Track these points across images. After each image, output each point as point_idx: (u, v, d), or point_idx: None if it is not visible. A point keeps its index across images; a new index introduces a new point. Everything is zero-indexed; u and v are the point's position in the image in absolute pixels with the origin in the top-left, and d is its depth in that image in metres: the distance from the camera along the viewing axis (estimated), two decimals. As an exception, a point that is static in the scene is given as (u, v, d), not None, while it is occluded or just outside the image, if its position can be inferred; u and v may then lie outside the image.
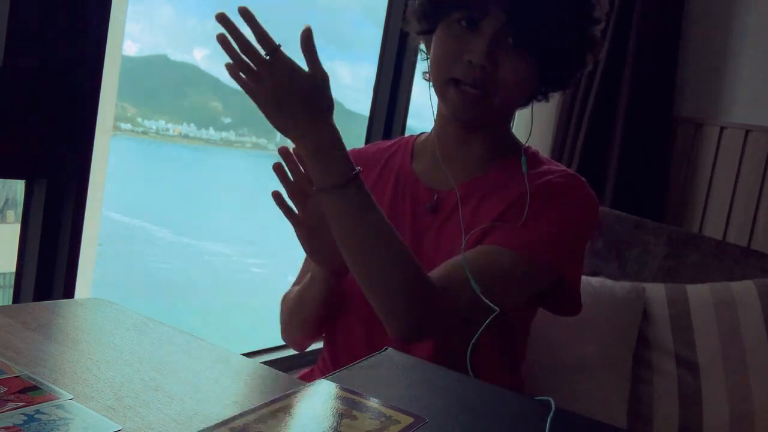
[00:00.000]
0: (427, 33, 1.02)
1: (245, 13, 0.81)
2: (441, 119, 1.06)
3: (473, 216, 0.99)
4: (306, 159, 0.87)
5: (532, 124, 1.08)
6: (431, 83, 1.03)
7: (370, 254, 0.86)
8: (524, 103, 1.06)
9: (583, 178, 1.03)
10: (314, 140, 0.85)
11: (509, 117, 1.08)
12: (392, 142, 1.15)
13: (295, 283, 1.14)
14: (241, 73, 0.84)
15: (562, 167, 1.04)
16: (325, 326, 1.08)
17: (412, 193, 1.05)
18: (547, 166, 1.04)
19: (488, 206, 0.99)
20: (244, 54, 0.82)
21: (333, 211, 0.86)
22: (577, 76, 1.04)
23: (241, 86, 0.85)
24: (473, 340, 0.87)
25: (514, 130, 1.12)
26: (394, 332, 0.88)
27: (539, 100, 1.06)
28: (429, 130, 1.12)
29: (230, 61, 0.83)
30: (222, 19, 0.80)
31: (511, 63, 0.94)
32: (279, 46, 0.82)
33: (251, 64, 0.83)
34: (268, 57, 0.82)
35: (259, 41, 0.82)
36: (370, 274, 0.87)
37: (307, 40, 0.83)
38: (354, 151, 1.12)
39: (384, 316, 0.88)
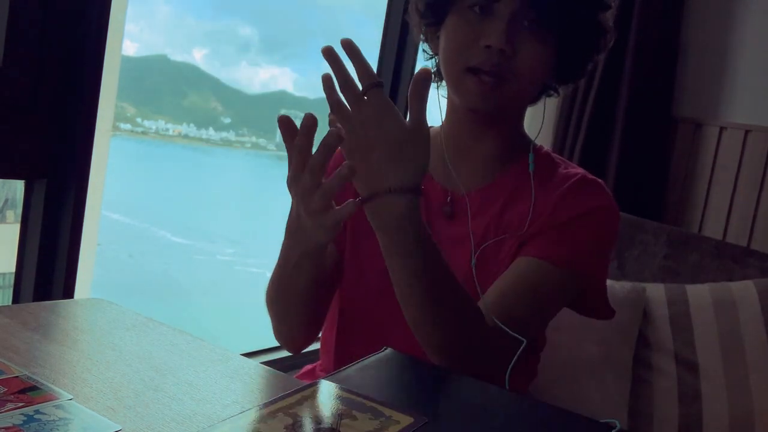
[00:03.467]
0: (434, 25, 0.98)
1: (348, 46, 0.75)
2: (454, 114, 1.01)
3: (493, 225, 0.97)
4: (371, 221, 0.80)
5: (543, 120, 1.06)
6: (438, 81, 1.01)
7: (435, 292, 0.82)
8: (536, 98, 1.04)
9: (602, 182, 1.01)
10: (388, 200, 0.78)
11: (523, 110, 1.04)
12: None
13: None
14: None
15: (581, 170, 1.02)
16: (323, 311, 1.03)
17: (424, 190, 1.02)
18: (564, 168, 1.01)
19: (508, 217, 0.97)
20: (343, 91, 0.76)
21: (393, 248, 0.81)
22: (591, 62, 1.01)
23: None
24: (509, 367, 0.85)
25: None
26: (437, 361, 0.86)
27: (550, 95, 1.04)
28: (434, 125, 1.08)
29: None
30: (328, 53, 0.75)
31: (529, 46, 0.91)
32: (380, 83, 0.77)
33: (345, 104, 0.77)
34: (364, 94, 0.76)
35: (360, 77, 0.76)
36: (427, 309, 0.82)
37: (422, 83, 0.78)
38: None
39: (430, 348, 0.85)
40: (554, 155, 1.05)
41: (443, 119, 1.05)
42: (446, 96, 1.02)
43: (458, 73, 0.93)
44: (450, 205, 0.99)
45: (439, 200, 1.00)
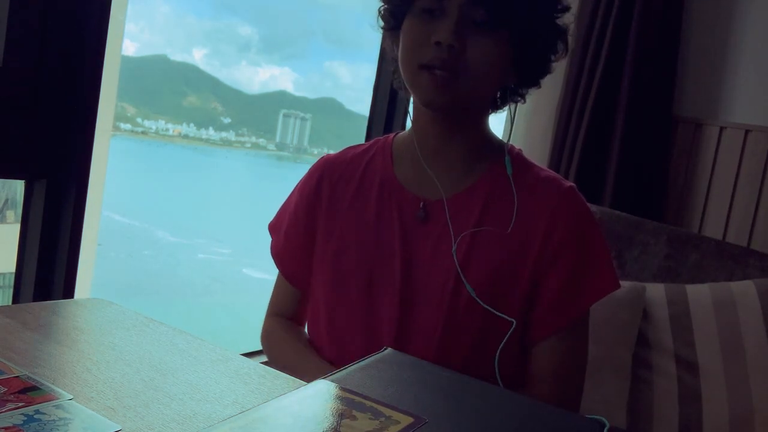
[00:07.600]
0: (394, 29, 1.00)
1: None
2: (419, 117, 1.02)
3: (473, 226, 0.98)
4: None
5: (513, 124, 1.06)
6: (402, 85, 1.02)
7: None
8: (498, 102, 1.03)
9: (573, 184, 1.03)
10: None
11: (485, 112, 1.03)
12: (368, 145, 1.10)
13: (274, 308, 1.11)
14: None
15: (553, 174, 1.02)
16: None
17: (398, 201, 1.01)
18: (536, 171, 1.02)
19: (489, 219, 0.98)
20: None
21: None
22: (550, 63, 1.01)
23: None
24: (497, 354, 0.91)
25: (512, 138, 1.09)
26: None
27: (516, 101, 1.04)
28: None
29: None
30: None
31: (479, 41, 0.92)
32: None
33: None
34: None
35: None
36: None
37: None
38: (330, 157, 1.09)
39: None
40: (526, 157, 1.05)
41: (411, 126, 1.05)
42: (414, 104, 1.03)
43: (413, 71, 0.95)
44: (423, 210, 1.00)
45: (413, 208, 1.00)
